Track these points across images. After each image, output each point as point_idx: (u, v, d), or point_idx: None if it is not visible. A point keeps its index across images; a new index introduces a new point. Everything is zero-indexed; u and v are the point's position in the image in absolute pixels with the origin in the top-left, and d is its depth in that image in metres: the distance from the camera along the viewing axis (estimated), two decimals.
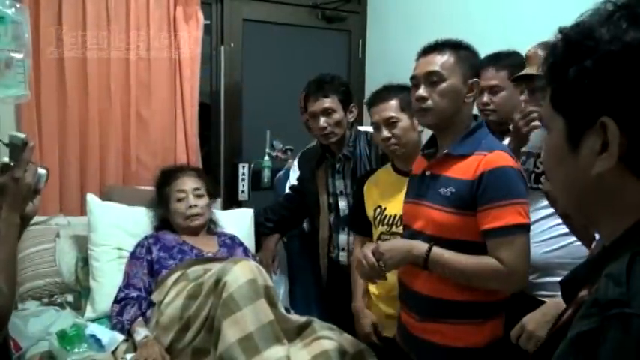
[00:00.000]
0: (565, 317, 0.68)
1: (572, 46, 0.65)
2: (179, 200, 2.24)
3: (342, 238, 2.23)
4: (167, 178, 2.33)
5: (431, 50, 1.55)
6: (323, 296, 2.43)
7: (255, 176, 2.99)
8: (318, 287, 2.45)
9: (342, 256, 2.24)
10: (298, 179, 2.51)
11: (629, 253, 0.59)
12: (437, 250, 1.48)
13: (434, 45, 1.55)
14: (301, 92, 2.60)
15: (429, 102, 1.52)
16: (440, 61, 1.52)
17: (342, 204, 2.22)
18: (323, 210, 2.28)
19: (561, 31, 0.68)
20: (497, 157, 1.46)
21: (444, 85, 1.50)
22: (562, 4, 2.24)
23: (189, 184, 2.28)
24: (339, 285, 2.18)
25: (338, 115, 2.15)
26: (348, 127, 2.19)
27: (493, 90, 1.91)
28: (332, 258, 2.29)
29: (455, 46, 1.54)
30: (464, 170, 1.48)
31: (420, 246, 1.51)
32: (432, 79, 1.51)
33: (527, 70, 1.64)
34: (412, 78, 1.57)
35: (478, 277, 1.47)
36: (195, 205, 2.24)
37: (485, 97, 1.92)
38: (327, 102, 2.14)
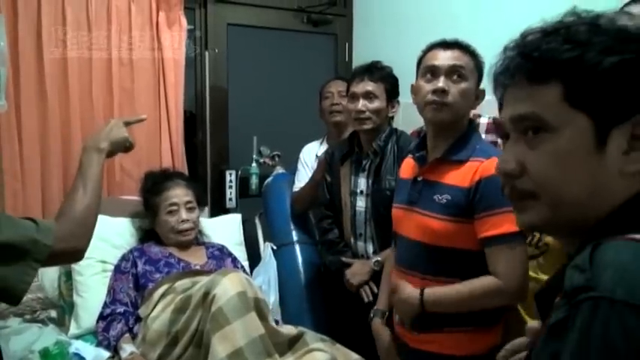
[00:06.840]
0: None
1: (608, 34, 0.61)
2: (170, 212, 2.15)
3: (360, 245, 2.07)
4: (156, 185, 2.22)
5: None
6: (324, 305, 2.33)
7: (243, 183, 2.94)
8: (312, 296, 2.38)
9: None
10: (327, 183, 2.23)
11: (591, 245, 0.59)
12: (429, 291, 1.46)
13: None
14: (326, 82, 2.60)
15: None
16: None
17: (360, 203, 2.05)
18: (345, 209, 2.12)
19: (563, 22, 0.65)
20: (495, 163, 1.42)
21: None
22: (548, 3, 2.23)
23: (181, 196, 2.17)
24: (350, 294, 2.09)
25: (379, 104, 2.01)
26: (386, 122, 2.07)
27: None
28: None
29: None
30: (460, 177, 1.45)
31: (412, 292, 1.48)
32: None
33: None
34: None
35: (477, 302, 1.44)
36: (187, 220, 2.15)
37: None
38: (372, 86, 2.00)
